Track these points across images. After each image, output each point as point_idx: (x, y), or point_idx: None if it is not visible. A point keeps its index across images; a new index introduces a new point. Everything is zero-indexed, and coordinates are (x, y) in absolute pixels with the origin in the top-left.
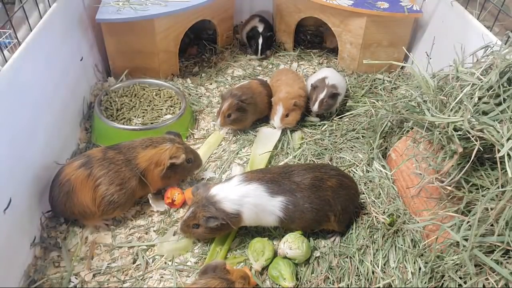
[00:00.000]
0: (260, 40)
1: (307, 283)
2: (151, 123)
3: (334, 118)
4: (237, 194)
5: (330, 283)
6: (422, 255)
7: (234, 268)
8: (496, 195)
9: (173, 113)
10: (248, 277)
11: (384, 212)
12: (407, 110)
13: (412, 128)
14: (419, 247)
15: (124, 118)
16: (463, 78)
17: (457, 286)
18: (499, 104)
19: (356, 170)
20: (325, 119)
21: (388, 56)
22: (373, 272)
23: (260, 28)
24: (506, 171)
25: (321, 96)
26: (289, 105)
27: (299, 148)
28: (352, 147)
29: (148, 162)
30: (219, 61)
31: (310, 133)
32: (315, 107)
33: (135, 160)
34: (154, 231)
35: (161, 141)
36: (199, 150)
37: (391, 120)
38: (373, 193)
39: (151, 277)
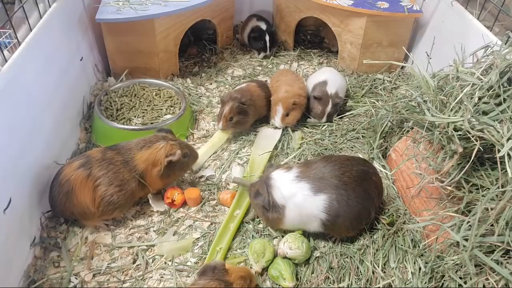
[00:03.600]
0: (267, 38)
1: (307, 283)
2: (151, 123)
3: (334, 118)
4: (288, 190)
5: (330, 283)
6: (422, 255)
7: (236, 267)
8: (496, 195)
9: (173, 113)
10: (250, 277)
11: (384, 212)
12: (407, 110)
13: (412, 128)
14: (419, 247)
15: (124, 118)
16: (463, 78)
17: (457, 286)
18: (499, 104)
19: None
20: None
21: (388, 56)
22: (373, 272)
23: (264, 26)
24: (506, 171)
25: (328, 109)
26: (289, 105)
27: (299, 148)
28: (352, 147)
29: (145, 164)
30: (219, 61)
31: (310, 133)
32: (323, 120)
33: (133, 161)
34: (154, 231)
35: (154, 140)
36: (202, 148)
37: (391, 120)
38: None
39: (151, 277)
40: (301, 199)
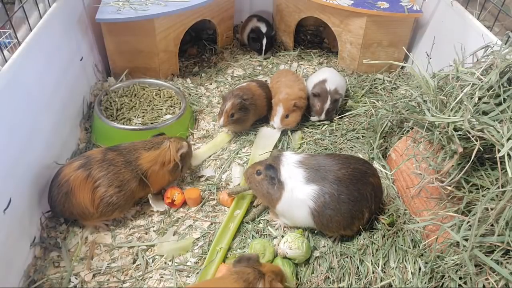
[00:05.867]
0: (265, 41)
1: (307, 283)
2: (151, 123)
3: (334, 118)
4: (289, 171)
5: (330, 283)
6: (422, 255)
7: (269, 263)
8: (496, 195)
9: (173, 113)
10: (281, 274)
11: (384, 212)
12: (407, 110)
13: (412, 128)
14: (419, 247)
15: (124, 118)
16: (463, 78)
17: (457, 286)
18: (499, 104)
19: None
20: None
21: (388, 56)
22: (373, 272)
23: (264, 29)
24: (506, 171)
25: (327, 105)
26: (290, 106)
27: (299, 148)
28: (352, 147)
29: (151, 163)
30: (219, 61)
31: (310, 133)
32: (322, 117)
33: (137, 161)
34: (154, 231)
35: (160, 142)
36: (203, 148)
37: (391, 120)
38: None
39: (151, 277)
40: (294, 183)
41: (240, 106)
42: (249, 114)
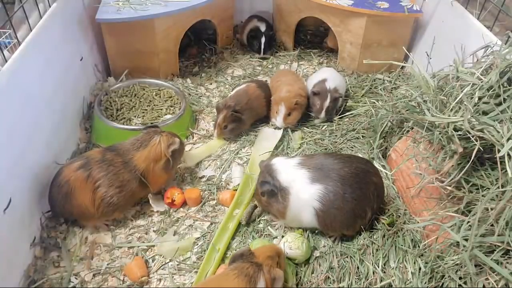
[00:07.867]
0: (263, 39)
1: (307, 283)
2: (151, 123)
3: (334, 118)
4: (290, 175)
5: (330, 283)
6: (422, 255)
7: (261, 248)
8: (496, 195)
9: (173, 113)
10: (278, 254)
11: (384, 212)
12: (407, 110)
13: (412, 128)
14: (419, 247)
15: (124, 118)
16: (463, 78)
17: (457, 286)
18: (499, 104)
19: None
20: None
21: (388, 56)
22: (373, 272)
23: (263, 28)
24: (506, 171)
25: (326, 104)
26: (291, 104)
27: (299, 148)
28: (352, 147)
29: (146, 162)
30: (219, 61)
31: (310, 133)
32: (322, 115)
33: (132, 162)
34: (154, 231)
35: (148, 138)
36: (198, 149)
37: (391, 120)
38: None
39: (151, 277)
40: (300, 185)
41: (232, 118)
42: (243, 121)
